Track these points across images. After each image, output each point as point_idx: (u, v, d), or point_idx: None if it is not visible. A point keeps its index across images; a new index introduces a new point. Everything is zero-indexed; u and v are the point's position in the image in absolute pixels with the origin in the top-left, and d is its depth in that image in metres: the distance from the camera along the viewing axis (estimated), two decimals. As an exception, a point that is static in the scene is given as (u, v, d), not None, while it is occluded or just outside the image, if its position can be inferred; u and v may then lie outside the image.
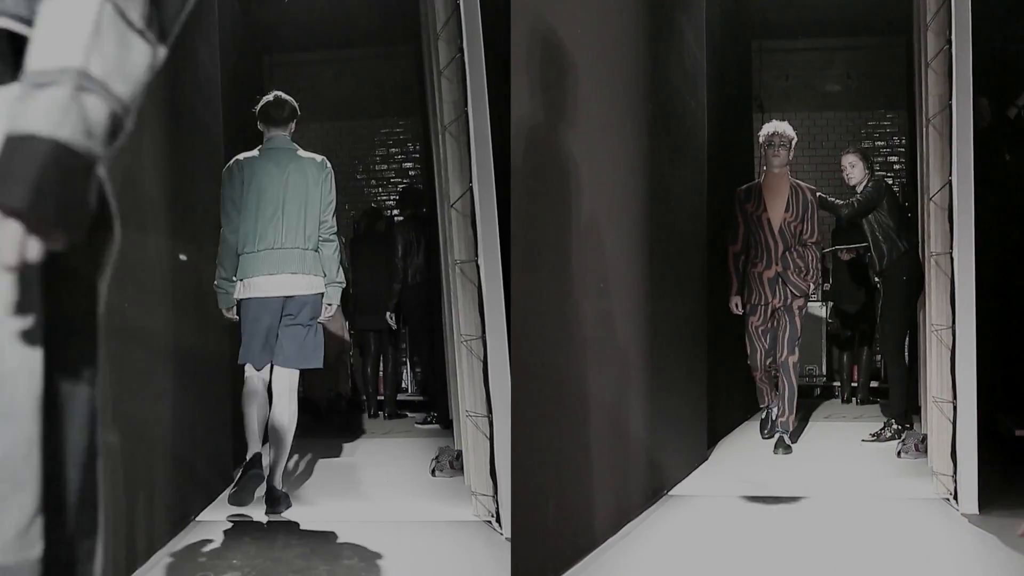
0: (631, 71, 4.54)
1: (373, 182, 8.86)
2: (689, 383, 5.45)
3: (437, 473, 5.31)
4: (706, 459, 5.78)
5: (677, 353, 5.19)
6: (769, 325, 6.09)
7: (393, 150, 8.79)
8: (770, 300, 6.01)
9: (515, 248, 3.48)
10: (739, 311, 6.11)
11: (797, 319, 6.03)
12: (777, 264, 5.99)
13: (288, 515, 4.69)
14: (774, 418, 6.32)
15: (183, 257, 4.48)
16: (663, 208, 4.92)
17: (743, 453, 6.12)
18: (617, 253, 4.31)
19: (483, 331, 4.20)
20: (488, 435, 4.31)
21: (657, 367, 4.80)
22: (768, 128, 6.07)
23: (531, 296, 3.57)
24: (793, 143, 6.04)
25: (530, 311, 3.56)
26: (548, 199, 3.70)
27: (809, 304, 7.49)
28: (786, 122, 6.10)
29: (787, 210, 5.97)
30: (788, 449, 5.96)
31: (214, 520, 4.62)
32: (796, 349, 6.04)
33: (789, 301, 6.00)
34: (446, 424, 6.34)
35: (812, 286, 6.09)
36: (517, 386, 3.53)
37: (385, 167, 8.80)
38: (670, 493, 4.96)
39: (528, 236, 3.55)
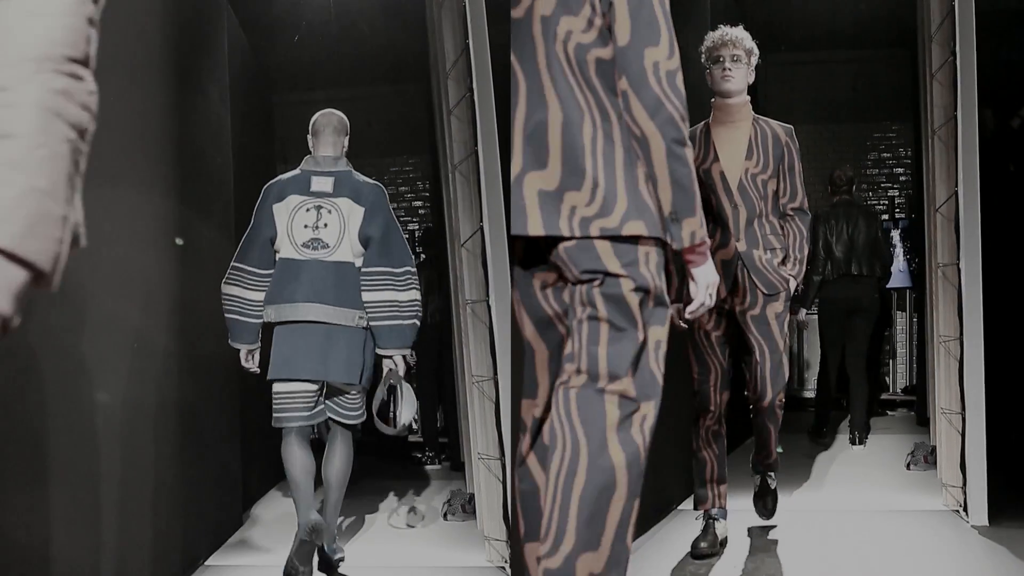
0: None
1: (383, 220, 8.91)
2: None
3: (449, 517, 5.19)
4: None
5: (680, 367, 5.18)
6: (730, 334, 4.01)
7: (403, 188, 8.82)
8: (726, 297, 3.88)
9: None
10: (683, 324, 3.51)
11: (778, 338, 3.90)
12: (738, 239, 3.90)
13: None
14: (714, 517, 4.21)
15: (179, 241, 4.39)
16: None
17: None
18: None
19: (495, 372, 4.09)
20: (500, 478, 4.18)
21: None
22: (713, 36, 3.95)
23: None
24: (753, 57, 3.96)
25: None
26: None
27: (801, 312, 6.27)
28: (740, 27, 3.98)
29: (749, 157, 3.94)
30: (775, 501, 4.42)
31: (223, 564, 4.56)
32: (783, 383, 3.96)
33: (759, 307, 3.89)
34: (457, 466, 6.25)
35: (795, 280, 3.93)
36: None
37: (395, 206, 8.82)
38: (679, 508, 4.98)
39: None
